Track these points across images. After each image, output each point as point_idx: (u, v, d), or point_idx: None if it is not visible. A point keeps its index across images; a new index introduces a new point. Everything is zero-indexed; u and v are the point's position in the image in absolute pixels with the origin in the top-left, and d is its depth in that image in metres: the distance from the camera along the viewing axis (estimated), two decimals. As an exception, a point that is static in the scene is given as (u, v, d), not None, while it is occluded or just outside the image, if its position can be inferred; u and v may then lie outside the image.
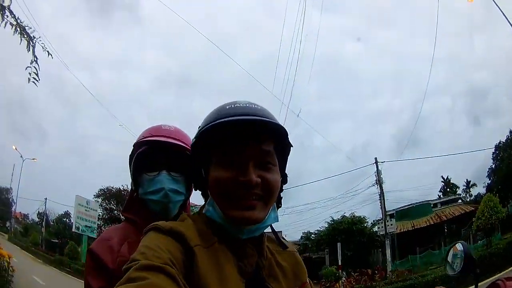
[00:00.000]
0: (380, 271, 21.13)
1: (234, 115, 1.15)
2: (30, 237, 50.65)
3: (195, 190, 1.39)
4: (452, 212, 31.76)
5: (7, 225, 68.91)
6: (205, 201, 1.30)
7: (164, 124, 1.90)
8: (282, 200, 1.35)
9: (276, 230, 1.40)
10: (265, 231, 1.29)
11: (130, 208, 1.91)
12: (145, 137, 1.83)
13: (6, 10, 7.03)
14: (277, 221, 1.28)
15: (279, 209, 1.34)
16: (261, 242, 1.28)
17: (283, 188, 1.33)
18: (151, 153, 1.78)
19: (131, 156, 1.86)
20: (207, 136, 1.20)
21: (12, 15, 7.04)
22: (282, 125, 1.20)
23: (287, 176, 1.34)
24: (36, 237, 50.12)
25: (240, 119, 1.14)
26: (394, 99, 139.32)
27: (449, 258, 1.94)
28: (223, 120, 1.14)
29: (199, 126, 1.25)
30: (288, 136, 1.24)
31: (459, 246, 1.86)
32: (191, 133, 1.47)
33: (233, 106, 1.21)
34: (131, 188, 1.92)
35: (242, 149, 1.16)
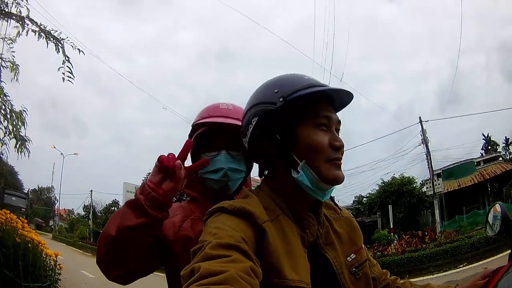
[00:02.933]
0: (429, 233, 20.85)
1: (318, 85, 1.25)
2: (77, 232, 51.14)
3: (278, 154, 1.33)
4: (494, 171, 30.95)
5: (50, 224, 70.50)
6: (270, 171, 1.38)
7: (222, 102, 1.88)
8: None
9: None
10: None
11: (191, 186, 1.87)
12: (203, 118, 1.81)
13: (25, 20, 7.12)
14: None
15: None
16: (318, 208, 1.34)
17: None
18: (209, 134, 1.77)
19: (189, 136, 1.83)
20: (296, 102, 1.23)
21: (34, 23, 7.15)
22: None
23: None
24: (83, 231, 50.72)
25: (336, 89, 1.27)
26: (431, 57, 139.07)
27: (490, 219, 1.89)
28: (323, 88, 1.23)
29: (276, 91, 1.27)
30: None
31: (498, 207, 1.82)
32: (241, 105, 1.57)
33: (310, 77, 1.31)
34: None
35: (331, 116, 1.27)
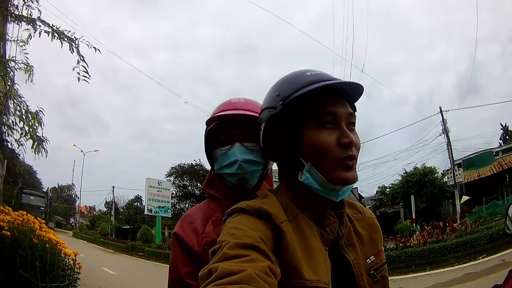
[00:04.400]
0: (450, 224, 20.67)
1: (322, 80, 1.18)
2: (99, 228, 51.54)
3: (281, 158, 1.37)
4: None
5: (71, 222, 71.14)
6: (281, 170, 1.36)
7: (233, 97, 1.84)
8: None
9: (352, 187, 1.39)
10: None
11: (210, 184, 1.89)
12: (214, 114, 1.79)
13: (37, 21, 7.17)
14: (357, 180, 1.25)
15: None
16: (341, 208, 1.31)
17: None
18: (222, 128, 1.76)
19: (204, 135, 1.83)
20: (296, 103, 1.21)
21: (45, 24, 7.21)
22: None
23: None
24: (105, 227, 51.05)
25: (339, 82, 1.18)
26: (450, 48, 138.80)
27: (510, 213, 1.86)
28: (324, 83, 1.16)
29: (277, 94, 1.26)
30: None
31: None
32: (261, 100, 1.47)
33: (313, 72, 1.24)
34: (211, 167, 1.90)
35: (337, 112, 1.19)
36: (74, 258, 6.95)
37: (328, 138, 1.17)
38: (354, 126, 1.24)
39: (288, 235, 1.10)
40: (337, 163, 1.17)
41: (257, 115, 1.61)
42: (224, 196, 1.78)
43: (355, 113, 1.28)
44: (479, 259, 14.48)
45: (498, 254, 13.79)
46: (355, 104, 1.30)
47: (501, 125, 48.79)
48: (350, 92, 1.25)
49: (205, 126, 1.83)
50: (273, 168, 1.90)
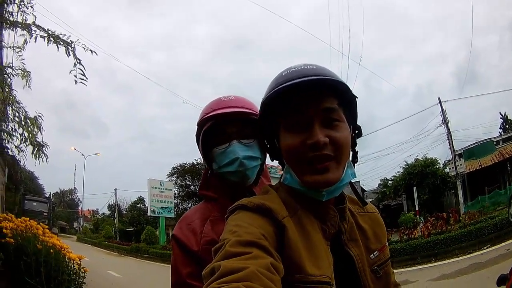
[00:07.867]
0: (454, 214, 20.60)
1: (290, 79, 1.14)
2: (103, 232, 51.40)
3: (272, 160, 1.42)
4: (512, 150, 30.63)
5: (74, 226, 71.17)
6: (282, 169, 1.31)
7: (223, 96, 1.84)
8: (358, 155, 1.34)
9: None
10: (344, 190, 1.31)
11: (206, 186, 1.89)
12: (207, 114, 1.77)
13: (32, 26, 7.17)
14: (355, 177, 1.28)
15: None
16: (342, 203, 1.30)
17: (357, 142, 1.32)
18: (217, 128, 1.74)
19: (197, 136, 1.84)
20: (270, 106, 1.22)
21: (41, 29, 7.20)
22: (341, 79, 1.18)
23: (360, 128, 1.32)
24: (109, 230, 50.86)
25: (294, 83, 1.12)
26: (448, 39, 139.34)
27: None
28: (277, 88, 1.14)
29: (262, 98, 1.25)
30: (350, 89, 1.21)
31: None
32: (261, 95, 1.40)
33: (288, 71, 1.20)
34: (205, 167, 1.91)
35: (305, 111, 1.16)
36: (79, 262, 6.96)
37: (294, 140, 1.17)
38: (338, 121, 1.18)
39: (290, 231, 1.09)
40: (307, 166, 1.16)
41: (250, 111, 1.73)
42: (222, 195, 1.78)
43: (352, 103, 1.26)
44: (484, 249, 14.47)
45: (503, 244, 13.77)
46: (352, 93, 1.22)
47: (501, 114, 48.93)
48: (328, 86, 1.17)
49: (196, 128, 1.84)
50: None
